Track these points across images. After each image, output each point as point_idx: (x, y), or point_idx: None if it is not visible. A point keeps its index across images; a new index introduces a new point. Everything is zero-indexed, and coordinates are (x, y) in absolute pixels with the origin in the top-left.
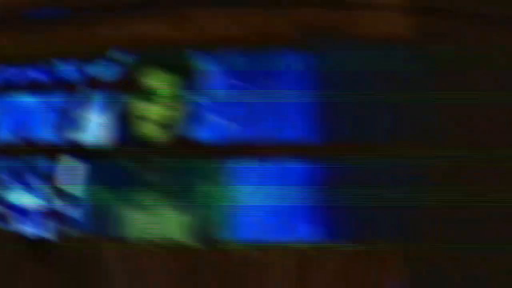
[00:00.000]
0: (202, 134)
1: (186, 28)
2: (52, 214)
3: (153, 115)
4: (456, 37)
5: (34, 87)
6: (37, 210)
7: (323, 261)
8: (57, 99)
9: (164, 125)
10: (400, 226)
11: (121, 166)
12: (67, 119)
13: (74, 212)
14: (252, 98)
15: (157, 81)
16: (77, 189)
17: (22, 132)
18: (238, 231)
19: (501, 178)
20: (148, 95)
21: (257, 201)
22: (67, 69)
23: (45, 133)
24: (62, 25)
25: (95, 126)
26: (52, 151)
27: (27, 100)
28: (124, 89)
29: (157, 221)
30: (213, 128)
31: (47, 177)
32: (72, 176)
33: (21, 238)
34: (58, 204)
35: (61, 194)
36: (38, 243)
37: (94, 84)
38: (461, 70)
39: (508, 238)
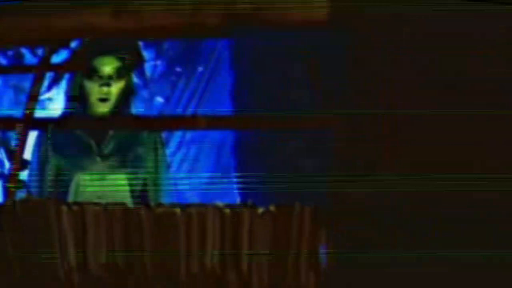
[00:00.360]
0: (140, 109)
1: (128, 19)
2: (9, 179)
3: (101, 94)
4: (372, 18)
5: None
6: None
7: (240, 220)
8: (18, 80)
9: (110, 102)
10: (312, 190)
11: (76, 138)
12: (28, 96)
13: (31, 178)
14: (182, 79)
15: (105, 64)
16: (35, 157)
17: None
18: (170, 194)
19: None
20: (97, 76)
21: (185, 168)
22: (27, 54)
23: (9, 109)
24: (18, 14)
25: (52, 103)
26: (16, 124)
27: None
28: (76, 71)
29: (105, 185)
30: (149, 104)
31: (10, 147)
32: (31, 146)
33: None
34: (17, 170)
35: (22, 162)
36: None
37: (51, 67)
38: (377, 49)
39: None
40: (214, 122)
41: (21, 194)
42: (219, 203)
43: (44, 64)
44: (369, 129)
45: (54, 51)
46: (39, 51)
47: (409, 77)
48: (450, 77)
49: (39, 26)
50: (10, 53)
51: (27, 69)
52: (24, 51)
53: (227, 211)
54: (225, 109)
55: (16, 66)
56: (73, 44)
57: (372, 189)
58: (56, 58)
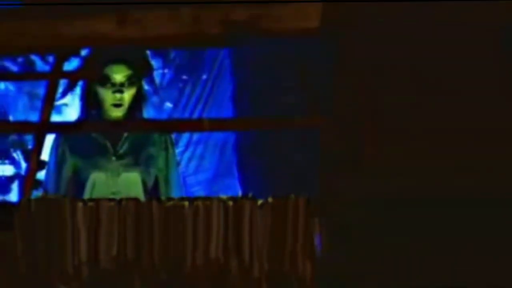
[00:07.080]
0: (151, 113)
1: (132, 28)
2: (26, 179)
3: (115, 100)
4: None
5: (8, 76)
6: (12, 177)
7: (242, 211)
8: (31, 86)
9: (124, 107)
10: (304, 182)
11: (93, 139)
12: (43, 102)
13: (48, 177)
14: (189, 86)
15: (117, 72)
16: (52, 158)
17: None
18: (179, 189)
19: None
20: (110, 83)
21: (192, 166)
22: (38, 61)
23: (26, 114)
24: (26, 21)
25: (67, 108)
26: (32, 128)
27: (1, 87)
28: (88, 78)
29: (120, 183)
30: (159, 109)
31: (27, 149)
32: (48, 147)
33: None
34: (33, 170)
35: (39, 163)
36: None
37: (64, 74)
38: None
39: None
40: (217, 125)
41: (37, 193)
42: (223, 196)
43: (56, 72)
44: (354, 129)
45: (66, 58)
46: (50, 58)
47: (395, 82)
48: (435, 83)
49: (44, 33)
50: (20, 60)
51: (40, 76)
52: (34, 58)
53: (230, 203)
54: (227, 113)
55: (29, 73)
56: (84, 53)
57: (358, 181)
58: (68, 66)
